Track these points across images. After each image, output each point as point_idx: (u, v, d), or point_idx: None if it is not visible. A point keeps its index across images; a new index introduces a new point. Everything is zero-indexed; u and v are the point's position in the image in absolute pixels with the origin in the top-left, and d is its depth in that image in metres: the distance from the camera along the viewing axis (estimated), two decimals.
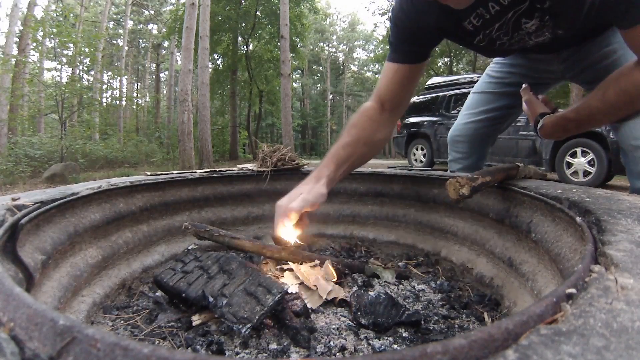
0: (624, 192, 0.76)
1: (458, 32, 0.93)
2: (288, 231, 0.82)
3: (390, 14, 0.99)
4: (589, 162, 4.82)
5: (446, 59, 16.74)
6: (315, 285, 0.80)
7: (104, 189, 0.89)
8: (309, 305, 0.74)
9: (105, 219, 0.88)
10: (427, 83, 7.94)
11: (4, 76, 9.90)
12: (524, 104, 1.09)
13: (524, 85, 1.11)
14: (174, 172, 1.19)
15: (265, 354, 0.62)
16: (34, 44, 11.36)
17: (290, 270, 0.88)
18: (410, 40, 0.95)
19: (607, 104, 0.83)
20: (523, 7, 0.80)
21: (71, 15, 11.85)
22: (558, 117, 0.95)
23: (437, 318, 0.75)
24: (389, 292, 0.87)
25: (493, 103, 1.31)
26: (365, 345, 0.64)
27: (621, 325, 0.26)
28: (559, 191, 0.71)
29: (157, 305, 0.78)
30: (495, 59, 1.34)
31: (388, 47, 1.01)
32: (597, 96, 0.84)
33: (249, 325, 0.61)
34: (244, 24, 14.01)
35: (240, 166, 1.34)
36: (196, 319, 0.70)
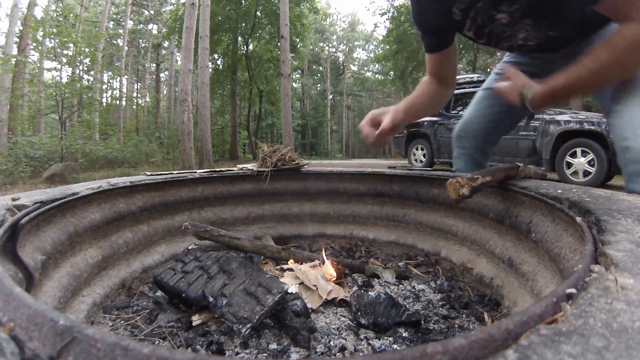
0: (624, 192, 0.76)
1: (452, 22, 1.08)
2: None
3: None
4: (589, 162, 4.81)
5: None
6: (315, 285, 0.81)
7: (104, 189, 0.89)
8: (309, 305, 0.74)
9: (105, 219, 0.88)
10: None
11: (4, 76, 9.89)
12: (504, 81, 1.06)
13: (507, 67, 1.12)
14: (174, 172, 1.19)
15: (265, 354, 0.62)
16: (34, 44, 11.35)
17: (290, 270, 0.88)
18: (428, 34, 1.15)
19: (598, 62, 0.83)
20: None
21: (71, 15, 11.83)
22: (548, 86, 0.92)
23: (437, 318, 0.75)
24: (389, 292, 0.87)
25: (497, 98, 1.30)
26: (365, 345, 0.64)
27: (621, 325, 0.26)
28: (559, 191, 0.71)
29: (157, 305, 0.78)
30: (504, 58, 1.41)
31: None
32: (588, 56, 0.85)
33: (249, 325, 0.61)
34: (244, 24, 14.01)
35: (240, 166, 1.34)
36: (196, 319, 0.70)
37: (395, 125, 1.04)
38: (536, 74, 1.15)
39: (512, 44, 1.10)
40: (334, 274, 0.88)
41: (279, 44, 11.60)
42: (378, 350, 0.63)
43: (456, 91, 6.87)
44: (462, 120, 1.45)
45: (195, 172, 1.22)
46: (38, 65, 12.60)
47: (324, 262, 0.90)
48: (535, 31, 1.02)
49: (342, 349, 0.63)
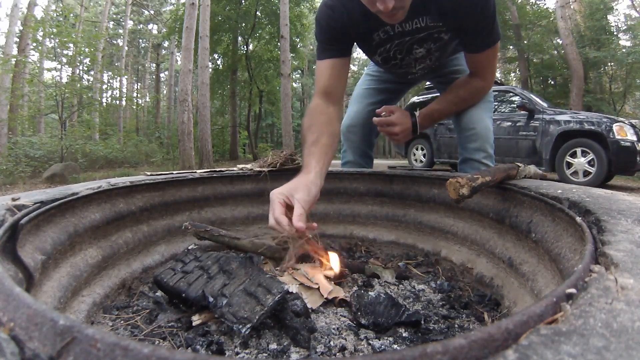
0: (624, 192, 0.76)
1: (367, 40, 1.20)
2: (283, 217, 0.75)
3: (316, 15, 1.20)
4: (589, 162, 4.81)
5: None
6: (317, 283, 0.81)
7: (104, 189, 0.89)
8: (309, 305, 0.74)
9: (105, 219, 0.88)
10: (427, 83, 7.94)
11: (4, 76, 9.89)
12: (390, 118, 1.27)
13: (380, 112, 1.31)
14: (174, 172, 1.19)
15: (265, 354, 0.62)
16: (34, 44, 11.35)
17: (291, 270, 0.88)
18: (335, 38, 1.16)
19: (459, 98, 1.29)
20: (420, 36, 1.15)
21: (71, 15, 11.82)
22: (427, 110, 1.29)
23: (437, 318, 0.75)
24: (389, 292, 0.87)
25: (375, 97, 1.60)
26: (365, 345, 0.64)
27: (621, 325, 0.26)
28: (559, 191, 0.71)
29: (157, 305, 0.78)
30: (372, 63, 1.57)
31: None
32: (452, 94, 1.28)
33: (249, 325, 0.62)
34: (244, 24, 13.99)
35: (240, 166, 1.34)
36: (196, 319, 0.70)
37: (308, 209, 0.79)
38: (399, 74, 1.47)
39: (407, 70, 1.36)
40: (337, 269, 0.87)
41: (279, 44, 11.60)
42: (378, 350, 0.63)
43: None
44: (349, 115, 1.60)
45: (195, 172, 1.22)
46: (38, 65, 12.61)
47: (324, 263, 0.90)
48: (432, 63, 1.30)
49: (342, 349, 0.63)
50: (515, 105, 5.72)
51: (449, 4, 1.04)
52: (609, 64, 13.61)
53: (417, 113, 1.27)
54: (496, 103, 6.00)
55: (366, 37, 1.19)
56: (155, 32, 25.12)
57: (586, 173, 4.85)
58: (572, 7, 12.24)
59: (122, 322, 0.73)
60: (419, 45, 1.19)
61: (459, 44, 1.23)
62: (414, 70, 1.36)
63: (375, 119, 1.29)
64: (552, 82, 16.03)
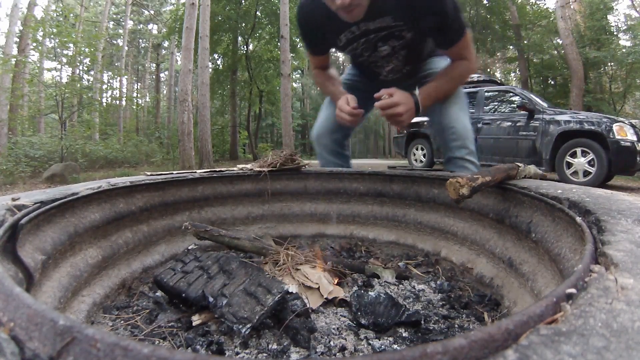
0: (624, 192, 0.76)
1: (334, 41, 1.33)
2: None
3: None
4: (589, 162, 4.81)
5: None
6: (317, 284, 0.81)
7: (104, 189, 0.89)
8: (309, 305, 0.74)
9: (105, 219, 0.88)
10: None
11: (4, 76, 9.89)
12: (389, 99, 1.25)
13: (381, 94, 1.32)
14: (174, 172, 1.19)
15: (265, 354, 0.62)
16: (34, 44, 11.34)
17: (292, 270, 0.88)
18: (310, 39, 1.41)
19: (451, 77, 1.31)
20: (382, 34, 1.25)
21: (71, 15, 11.82)
22: (426, 89, 1.27)
23: (437, 318, 0.75)
24: (389, 292, 0.87)
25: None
26: (365, 345, 0.64)
27: (621, 325, 0.26)
28: (559, 191, 0.71)
29: (157, 305, 0.78)
30: (347, 70, 1.73)
31: None
32: (444, 74, 1.31)
33: (249, 325, 0.62)
34: (244, 24, 13.99)
35: (240, 166, 1.34)
36: (196, 319, 0.70)
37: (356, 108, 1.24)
38: (370, 82, 1.55)
39: (377, 71, 1.45)
40: (330, 275, 0.88)
41: (279, 44, 11.60)
42: (378, 350, 0.63)
43: None
44: (318, 122, 1.65)
45: (195, 172, 1.22)
46: (38, 65, 12.61)
47: (323, 267, 0.90)
48: (401, 63, 1.39)
49: (342, 349, 0.63)
50: (515, 105, 5.72)
51: (405, 3, 1.14)
52: (609, 64, 13.62)
53: (416, 92, 1.24)
54: (496, 103, 6.00)
55: (334, 39, 1.33)
56: (155, 32, 25.13)
57: (586, 173, 4.84)
58: (572, 7, 12.25)
59: (122, 322, 0.73)
60: (383, 43, 1.30)
61: (434, 45, 1.34)
62: (385, 73, 1.44)
63: (377, 103, 1.23)
64: (552, 82, 16.03)
